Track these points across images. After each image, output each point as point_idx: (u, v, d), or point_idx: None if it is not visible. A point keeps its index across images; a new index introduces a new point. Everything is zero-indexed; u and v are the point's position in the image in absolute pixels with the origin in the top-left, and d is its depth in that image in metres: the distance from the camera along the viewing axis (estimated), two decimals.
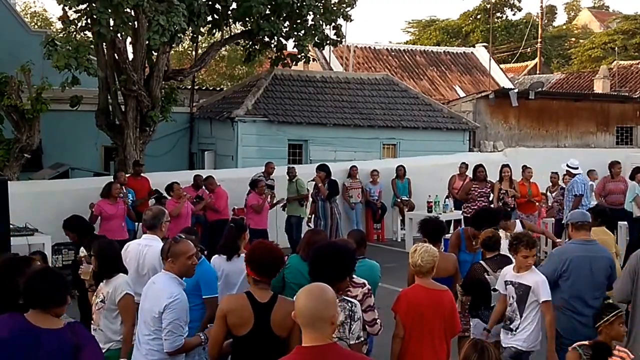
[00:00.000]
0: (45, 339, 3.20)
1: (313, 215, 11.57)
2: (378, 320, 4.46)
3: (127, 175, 11.73)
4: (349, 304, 3.87)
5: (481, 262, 5.67)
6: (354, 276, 4.41)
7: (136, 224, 10.71)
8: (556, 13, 45.76)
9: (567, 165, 11.01)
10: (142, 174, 11.64)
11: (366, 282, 4.49)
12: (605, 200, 11.77)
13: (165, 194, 10.61)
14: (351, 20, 15.32)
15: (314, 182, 11.47)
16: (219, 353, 3.91)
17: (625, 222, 11.22)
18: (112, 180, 10.68)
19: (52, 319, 3.27)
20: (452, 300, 4.61)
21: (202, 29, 14.64)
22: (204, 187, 11.28)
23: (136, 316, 4.47)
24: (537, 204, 11.81)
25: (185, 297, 4.18)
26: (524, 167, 11.93)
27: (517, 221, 7.77)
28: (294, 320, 3.66)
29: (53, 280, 3.30)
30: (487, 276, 5.49)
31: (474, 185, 11.08)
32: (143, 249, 5.18)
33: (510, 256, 5.37)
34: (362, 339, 3.93)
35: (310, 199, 11.67)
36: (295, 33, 14.65)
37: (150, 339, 4.16)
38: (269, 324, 3.76)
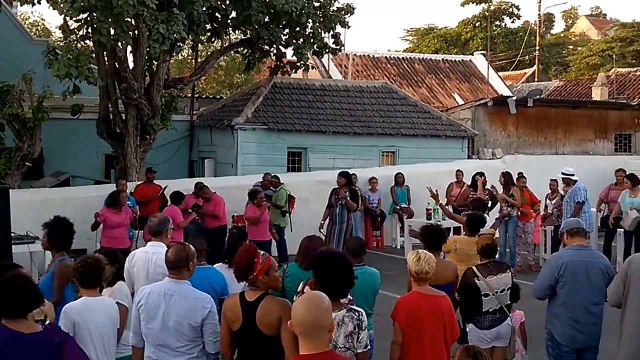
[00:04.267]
0: (31, 343, 3.30)
1: (328, 220, 11.38)
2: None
3: (139, 182, 11.84)
4: (356, 313, 3.89)
5: (473, 267, 5.73)
6: None
7: (136, 231, 10.77)
8: (554, 21, 45.91)
9: (563, 173, 11.05)
10: (154, 181, 11.73)
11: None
12: (608, 207, 11.84)
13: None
14: (348, 27, 15.41)
15: (337, 194, 11.21)
16: (226, 348, 4.08)
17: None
18: (115, 188, 10.75)
19: (31, 324, 3.38)
20: (450, 306, 4.64)
21: (201, 38, 14.73)
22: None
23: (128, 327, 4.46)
24: (534, 208, 11.79)
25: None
26: (519, 176, 11.93)
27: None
28: (279, 319, 3.78)
29: (18, 290, 3.37)
30: (477, 281, 5.53)
31: (471, 193, 11.12)
32: (151, 256, 5.18)
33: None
34: (369, 347, 3.98)
35: (333, 204, 11.52)
36: (295, 41, 14.73)
37: (188, 348, 4.20)
38: (254, 321, 3.90)
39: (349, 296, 4.44)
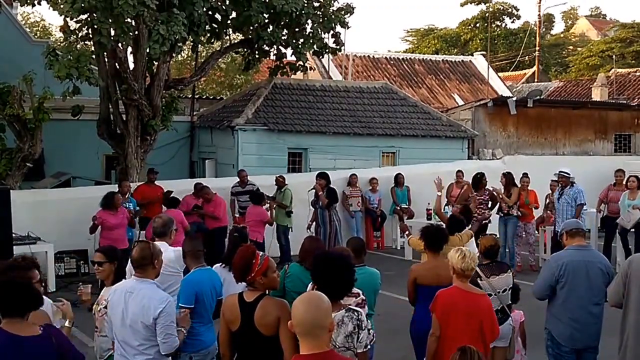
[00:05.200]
0: (29, 346, 3.30)
1: (314, 222, 11.63)
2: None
3: (140, 183, 11.84)
4: (356, 313, 3.90)
5: (476, 268, 5.75)
6: None
7: (138, 232, 10.79)
8: (554, 21, 45.95)
9: (561, 171, 11.00)
10: (155, 182, 11.74)
11: (360, 292, 4.55)
12: (607, 208, 11.83)
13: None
14: (348, 27, 15.43)
15: (314, 190, 11.55)
16: (225, 348, 4.09)
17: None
18: (117, 188, 10.77)
19: (30, 326, 3.37)
20: (490, 305, 4.71)
21: (202, 38, 14.74)
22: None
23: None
24: (534, 210, 11.72)
25: (172, 298, 4.38)
26: (523, 175, 11.90)
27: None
28: (277, 320, 3.79)
29: (17, 290, 3.39)
30: (479, 281, 5.56)
31: (472, 193, 11.13)
32: None
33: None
34: (369, 347, 4.00)
35: (311, 207, 11.75)
36: (294, 41, 14.75)
37: (145, 348, 4.23)
38: (253, 322, 3.91)
39: (362, 295, 4.50)
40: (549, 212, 11.77)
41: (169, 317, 4.22)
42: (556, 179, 11.76)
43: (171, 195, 10.65)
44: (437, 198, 9.19)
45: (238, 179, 12.21)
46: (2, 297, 3.33)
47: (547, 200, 11.98)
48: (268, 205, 11.31)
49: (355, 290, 4.52)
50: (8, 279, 3.49)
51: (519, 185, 11.61)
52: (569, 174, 10.79)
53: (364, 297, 4.45)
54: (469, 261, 4.61)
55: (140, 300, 4.20)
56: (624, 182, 11.55)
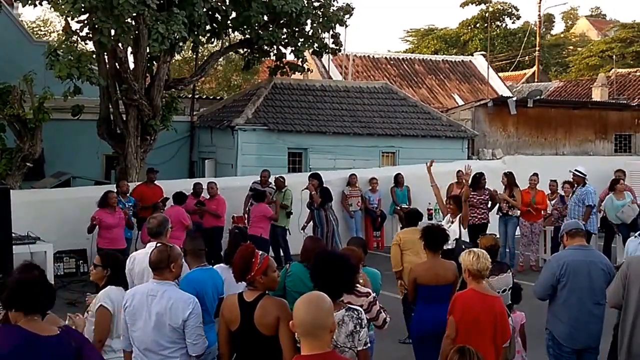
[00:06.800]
0: (48, 346, 3.26)
1: (311, 223, 11.64)
2: (387, 318, 4.61)
3: (139, 182, 11.83)
4: (356, 312, 3.91)
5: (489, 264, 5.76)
6: (357, 286, 4.49)
7: (136, 232, 10.78)
8: (554, 21, 45.93)
9: (577, 170, 10.94)
10: (155, 182, 11.72)
11: (370, 290, 4.55)
12: None
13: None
14: (346, 26, 15.43)
15: (307, 191, 11.53)
16: (225, 348, 4.08)
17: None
18: (115, 188, 10.77)
19: (48, 326, 3.34)
20: (503, 306, 4.72)
21: (201, 38, 14.74)
22: (205, 191, 11.43)
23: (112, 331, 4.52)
24: (542, 212, 11.57)
25: (196, 299, 4.35)
26: (533, 175, 11.70)
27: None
28: (277, 320, 3.79)
29: (37, 287, 3.37)
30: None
31: (472, 193, 11.12)
32: None
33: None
34: (369, 345, 4.01)
35: (307, 208, 11.76)
36: (294, 41, 14.75)
37: (171, 351, 4.19)
38: (252, 321, 3.89)
39: (373, 294, 4.53)
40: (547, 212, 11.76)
41: (198, 318, 4.21)
42: (556, 179, 11.77)
43: (178, 191, 10.66)
44: (433, 188, 9.16)
45: (259, 178, 12.19)
46: (22, 294, 3.30)
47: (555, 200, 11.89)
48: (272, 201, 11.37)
49: (364, 290, 4.54)
50: (27, 277, 3.47)
51: (528, 184, 11.52)
52: (582, 173, 10.72)
53: (375, 295, 4.46)
54: (484, 261, 4.60)
55: (167, 301, 4.16)
56: (610, 185, 11.46)
